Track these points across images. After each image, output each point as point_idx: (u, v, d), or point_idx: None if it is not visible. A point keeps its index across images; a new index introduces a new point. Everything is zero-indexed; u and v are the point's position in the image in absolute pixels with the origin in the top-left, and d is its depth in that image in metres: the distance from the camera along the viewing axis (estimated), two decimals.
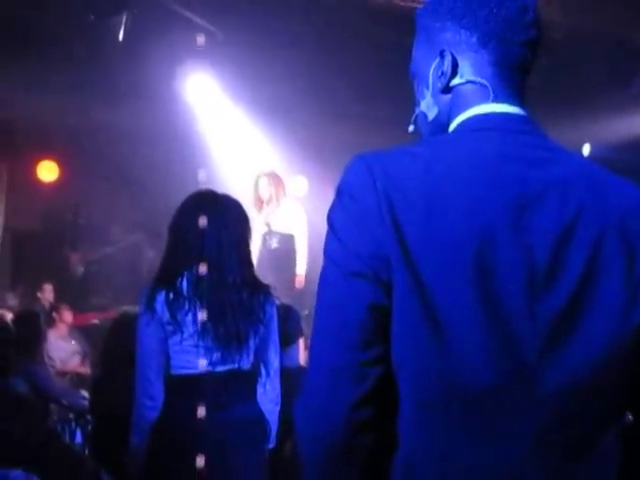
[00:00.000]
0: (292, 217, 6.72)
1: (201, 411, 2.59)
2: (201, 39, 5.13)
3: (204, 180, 2.77)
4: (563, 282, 1.13)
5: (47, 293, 7.84)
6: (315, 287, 1.20)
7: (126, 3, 6.01)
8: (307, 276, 6.64)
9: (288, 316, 3.45)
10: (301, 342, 3.74)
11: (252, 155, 7.95)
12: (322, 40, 6.58)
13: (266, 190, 6.63)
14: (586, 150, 7.54)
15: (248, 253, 2.86)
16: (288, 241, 6.69)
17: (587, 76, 6.70)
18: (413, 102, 1.39)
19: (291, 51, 6.63)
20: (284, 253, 6.64)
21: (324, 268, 1.18)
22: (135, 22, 6.14)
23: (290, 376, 3.04)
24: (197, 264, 2.71)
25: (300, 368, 3.57)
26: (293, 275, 6.64)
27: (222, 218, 2.77)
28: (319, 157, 7.87)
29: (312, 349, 1.18)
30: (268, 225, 6.61)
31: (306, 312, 5.34)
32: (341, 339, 1.13)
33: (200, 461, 2.56)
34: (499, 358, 1.10)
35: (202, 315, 2.68)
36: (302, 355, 3.76)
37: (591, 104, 6.83)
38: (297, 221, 6.74)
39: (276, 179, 6.70)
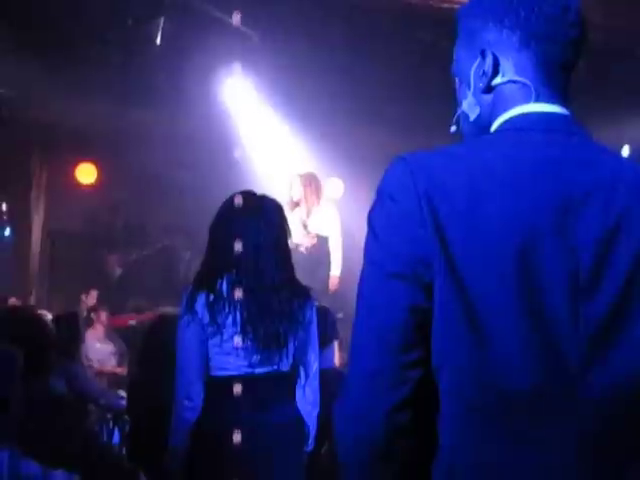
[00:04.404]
0: (326, 219, 6.70)
1: (240, 413, 2.60)
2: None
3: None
4: (607, 285, 1.11)
5: (91, 298, 7.96)
6: (349, 289, 1.20)
7: (163, 7, 6.07)
8: (341, 278, 6.62)
9: (324, 318, 3.45)
10: (336, 344, 3.73)
11: (288, 157, 7.97)
12: (358, 42, 6.58)
13: (296, 191, 6.63)
14: (625, 151, 7.44)
15: (287, 254, 2.86)
16: (322, 243, 6.67)
17: (628, 77, 6.61)
18: (449, 103, 1.37)
19: (326, 53, 6.64)
20: (318, 255, 6.62)
21: (364, 270, 1.17)
22: (172, 26, 6.20)
23: (325, 377, 3.04)
24: (236, 266, 2.73)
25: (335, 369, 3.56)
26: (327, 277, 6.61)
27: (260, 220, 2.77)
28: (355, 159, 7.86)
29: (352, 351, 1.17)
30: (305, 226, 6.60)
31: (340, 315, 5.32)
32: (381, 341, 1.12)
33: (239, 463, 2.56)
34: (541, 361, 1.09)
35: (239, 317, 2.68)
36: (337, 357, 3.75)
37: (631, 105, 6.73)
38: (331, 223, 6.71)
39: (307, 180, 6.65)
